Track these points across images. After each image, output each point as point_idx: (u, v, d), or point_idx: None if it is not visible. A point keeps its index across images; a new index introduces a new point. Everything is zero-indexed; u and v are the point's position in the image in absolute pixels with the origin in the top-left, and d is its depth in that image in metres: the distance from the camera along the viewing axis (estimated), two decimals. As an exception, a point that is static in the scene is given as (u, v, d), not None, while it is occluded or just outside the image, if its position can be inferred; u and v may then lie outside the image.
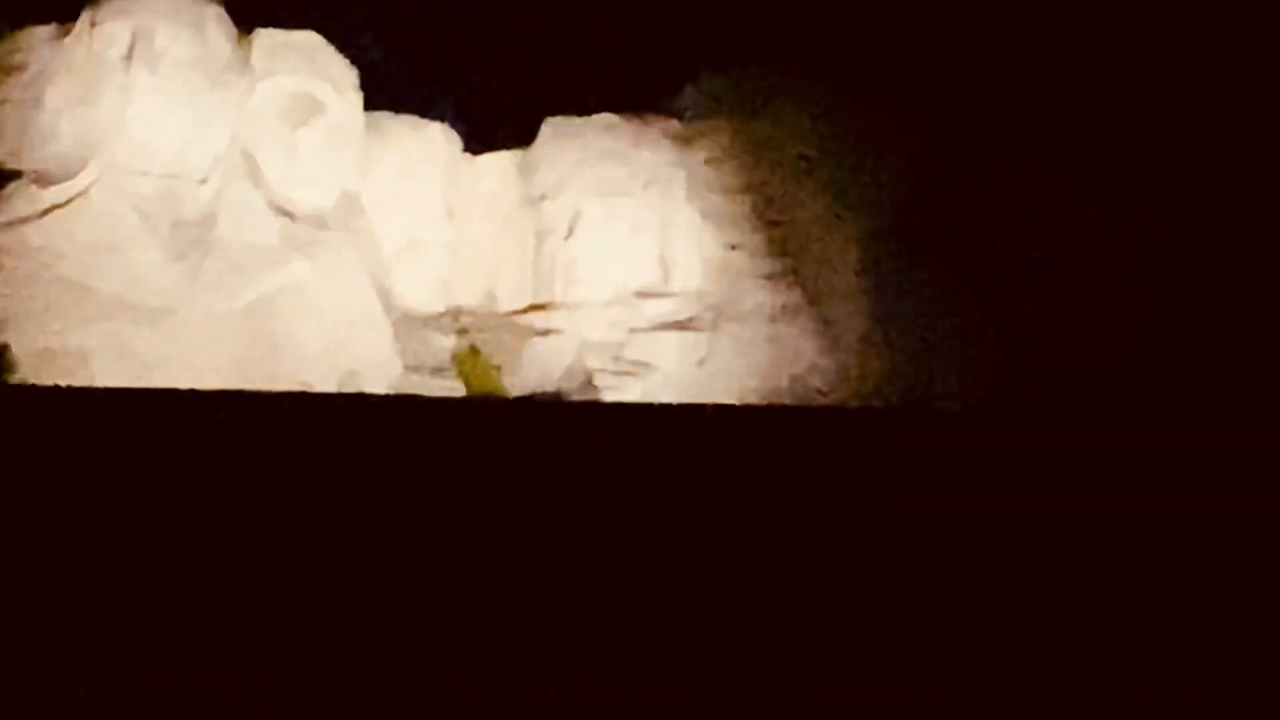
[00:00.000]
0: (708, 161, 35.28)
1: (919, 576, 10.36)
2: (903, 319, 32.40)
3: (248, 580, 9.87)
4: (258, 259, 30.38)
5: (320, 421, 16.51)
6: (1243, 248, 29.61)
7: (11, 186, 29.48)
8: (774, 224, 34.65)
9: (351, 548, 10.53)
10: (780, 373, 32.86)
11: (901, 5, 33.14)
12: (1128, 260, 30.60)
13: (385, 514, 11.35)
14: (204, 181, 30.72)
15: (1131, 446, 13.74)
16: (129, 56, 30.62)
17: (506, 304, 34.28)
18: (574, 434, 16.21)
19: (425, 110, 35.45)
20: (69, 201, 29.44)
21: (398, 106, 35.01)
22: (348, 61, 33.31)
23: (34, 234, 29.02)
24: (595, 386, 32.27)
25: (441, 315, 33.57)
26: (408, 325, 32.45)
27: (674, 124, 35.96)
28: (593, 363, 32.74)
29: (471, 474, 12.44)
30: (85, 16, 31.06)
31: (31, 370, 27.70)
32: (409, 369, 31.56)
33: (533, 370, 32.75)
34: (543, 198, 34.53)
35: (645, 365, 32.79)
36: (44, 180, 29.56)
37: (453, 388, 31.76)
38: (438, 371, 32.07)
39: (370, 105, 33.87)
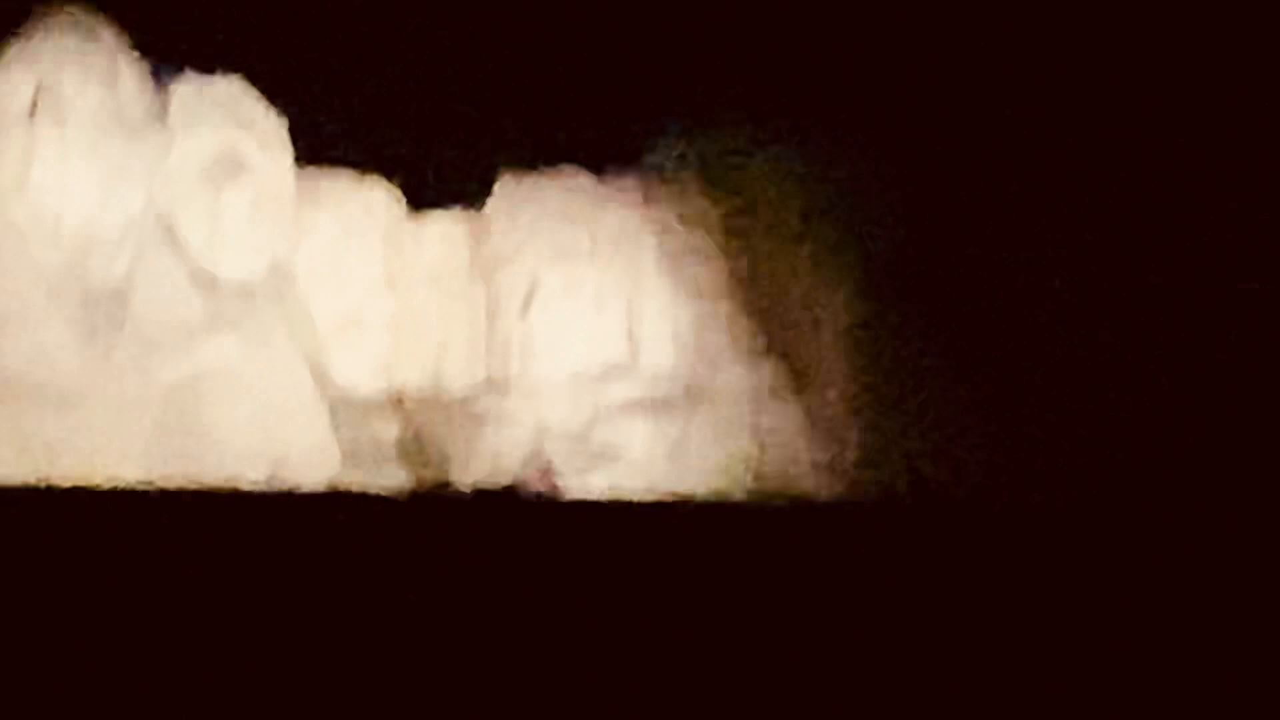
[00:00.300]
0: (680, 222, 35.31)
1: (914, 675, 10.52)
2: (893, 400, 32.60)
3: (161, 702, 9.89)
4: (177, 336, 30.42)
5: (248, 519, 16.54)
6: (1249, 325, 30.06)
7: (-100, 255, 29.52)
8: (754, 293, 34.77)
9: (281, 662, 10.55)
10: (760, 460, 32.99)
11: (885, 56, 33.54)
12: (1127, 343, 30.97)
13: (319, 623, 11.34)
14: (116, 250, 30.68)
15: (1131, 541, 14.00)
16: (33, 110, 30.60)
17: (455, 385, 34.34)
18: (531, 531, 16.31)
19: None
20: (-36, 272, 29.46)
21: (333, 162, 34.93)
22: (276, 111, 33.33)
23: (-75, 308, 29.08)
24: (555, 477, 32.33)
25: (383, 398, 33.57)
26: (345, 409, 32.44)
27: (642, 180, 36.02)
28: (552, 450, 32.81)
29: (416, 576, 12.50)
30: (-16, 65, 31.13)
31: (-81, 460, 27.68)
32: (347, 458, 31.52)
33: (485, 459, 32.78)
34: (496, 266, 34.61)
35: (611, 452, 32.88)
36: (-63, 248, 29.59)
37: (396, 479, 31.73)
38: (379, 461, 32.04)
39: (302, 161, 33.86)
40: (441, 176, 36.71)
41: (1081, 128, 31.73)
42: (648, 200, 35.53)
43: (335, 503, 21.99)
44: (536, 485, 31.99)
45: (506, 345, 34.00)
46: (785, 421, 33.44)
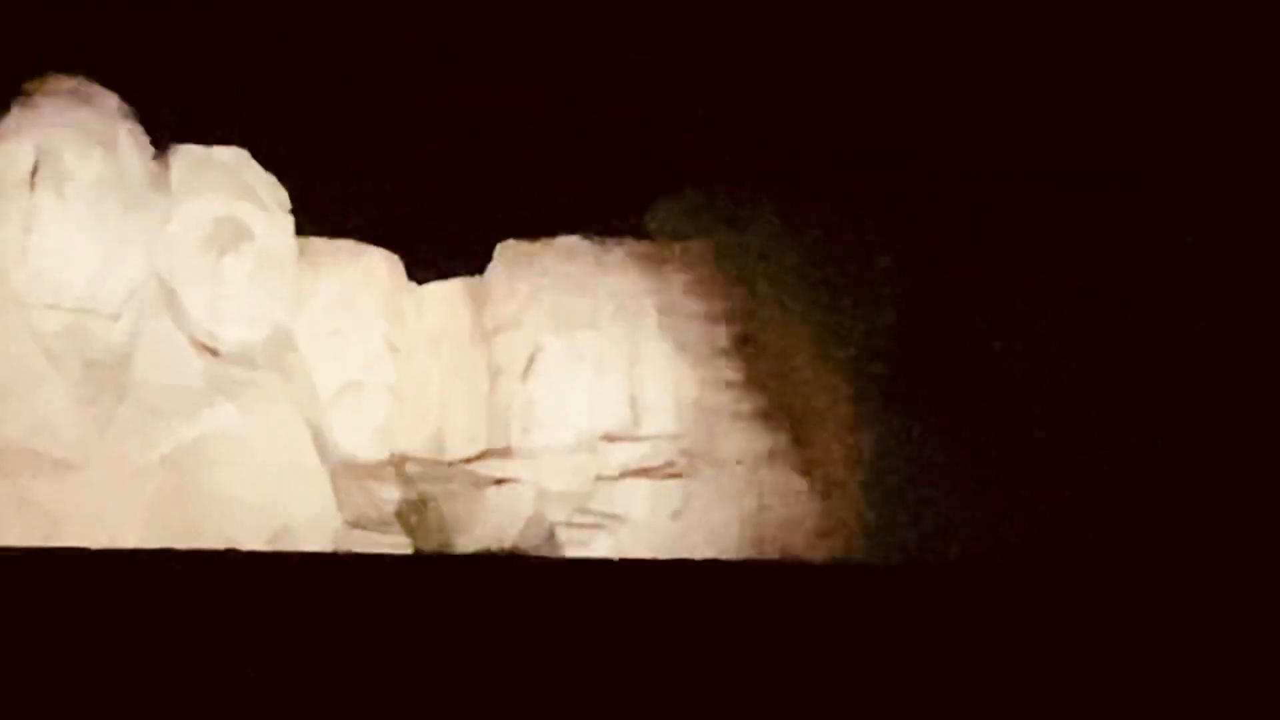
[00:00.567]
0: (681, 288, 35.42)
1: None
2: (895, 465, 32.65)
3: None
4: (178, 403, 30.39)
5: (250, 583, 16.58)
6: (1252, 395, 30.24)
7: (-99, 323, 29.51)
8: (756, 357, 34.84)
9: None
10: (764, 525, 33.00)
11: (889, 124, 33.78)
12: (1131, 406, 31.11)
13: (324, 686, 11.37)
14: (117, 317, 30.70)
15: (1130, 604, 14.09)
16: (32, 177, 30.59)
17: (457, 451, 34.36)
18: (533, 595, 16.37)
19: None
20: (-35, 340, 29.43)
21: (334, 231, 35.00)
22: (277, 180, 33.42)
23: (-75, 375, 29.05)
24: (557, 542, 32.33)
25: (384, 464, 33.52)
26: (347, 475, 32.39)
27: (642, 245, 36.14)
28: (554, 515, 32.81)
29: (419, 641, 12.55)
30: (-17, 132, 31.18)
31: (-79, 529, 27.63)
32: (348, 524, 31.45)
33: (487, 525, 32.77)
34: (496, 331, 34.67)
35: (613, 518, 32.88)
36: (-64, 316, 29.56)
37: (398, 545, 31.69)
38: (381, 527, 31.98)
39: (303, 229, 33.93)
40: (442, 244, 36.78)
41: (1086, 202, 31.99)
42: (648, 266, 35.53)
43: (337, 566, 22.01)
44: (538, 550, 32.00)
45: (508, 410, 33.97)
46: (787, 486, 33.46)
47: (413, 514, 32.67)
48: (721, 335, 35.05)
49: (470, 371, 34.83)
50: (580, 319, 34.27)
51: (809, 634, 13.47)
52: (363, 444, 33.33)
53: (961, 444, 31.85)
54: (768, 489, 33.41)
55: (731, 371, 34.76)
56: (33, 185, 30.50)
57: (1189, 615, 14.30)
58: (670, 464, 33.71)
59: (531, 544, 32.27)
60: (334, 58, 39.91)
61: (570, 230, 35.77)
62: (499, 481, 33.18)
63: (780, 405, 34.44)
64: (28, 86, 31.43)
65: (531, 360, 34.05)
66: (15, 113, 31.04)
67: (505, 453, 33.71)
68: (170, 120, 32.68)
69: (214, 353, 31.29)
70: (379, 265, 34.88)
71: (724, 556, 31.89)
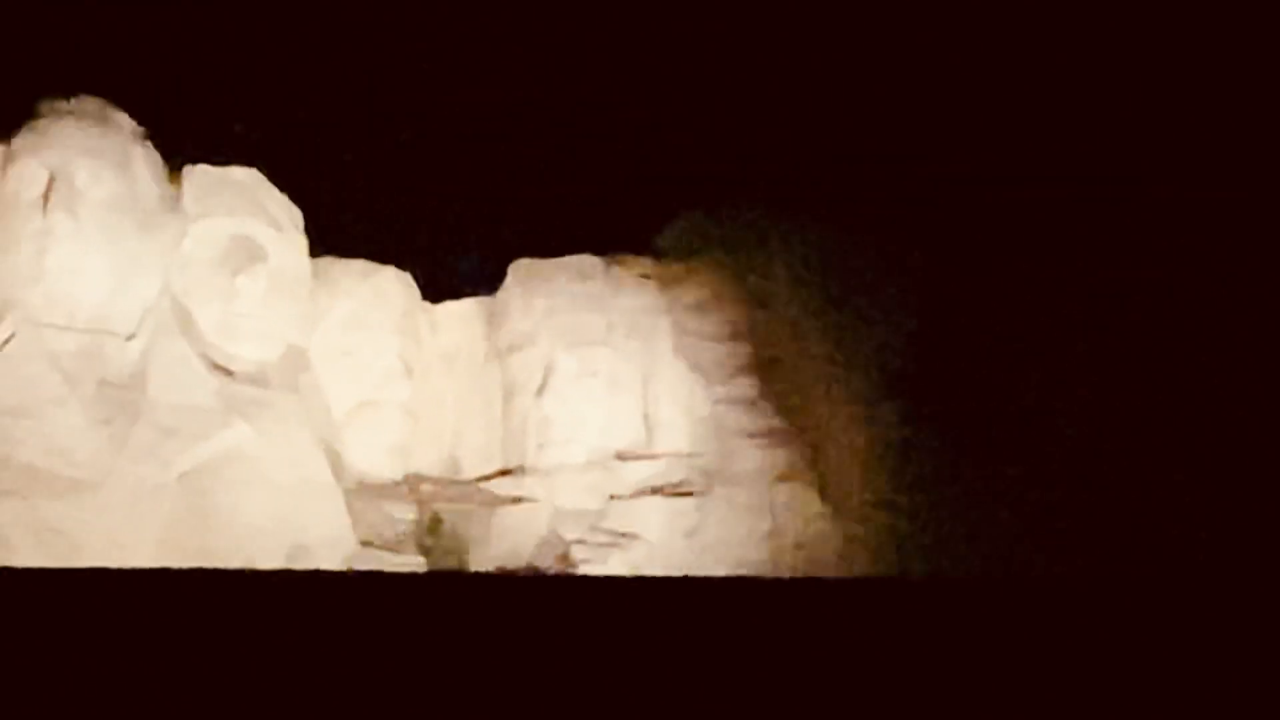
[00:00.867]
0: (694, 306, 35.49)
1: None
2: (910, 481, 32.66)
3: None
4: (193, 423, 30.40)
5: (266, 602, 16.59)
6: (1264, 412, 30.26)
7: (-85, 345, 29.54)
8: (770, 376, 34.85)
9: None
10: (779, 542, 32.99)
11: (901, 141, 33.83)
12: (1144, 423, 31.11)
13: (340, 705, 11.39)
14: (132, 337, 30.74)
15: (1142, 619, 14.10)
16: (46, 198, 30.58)
17: (471, 470, 34.42)
18: (548, 613, 16.37)
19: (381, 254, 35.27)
20: (-20, 360, 29.48)
21: (348, 250, 35.10)
22: (290, 200, 33.47)
23: (-60, 397, 29.07)
24: (572, 560, 32.32)
25: (399, 483, 33.53)
26: (362, 494, 32.38)
27: (656, 265, 36.22)
28: (569, 533, 32.81)
29: (435, 659, 12.57)
30: (-3, 154, 31.26)
31: (-62, 550, 27.62)
32: (364, 543, 31.45)
33: (502, 543, 32.79)
34: (511, 350, 34.72)
35: (628, 536, 32.86)
36: (-50, 338, 29.59)
37: (412, 564, 31.69)
38: (396, 546, 31.96)
39: (317, 249, 34.02)
40: (456, 263, 36.84)
41: (1100, 217, 32.01)
42: (662, 284, 35.57)
43: (353, 584, 22.02)
44: (553, 568, 31.99)
45: (522, 430, 33.99)
46: (802, 503, 33.46)
47: (427, 533, 32.68)
48: (734, 353, 35.05)
49: (484, 390, 34.89)
50: (594, 337, 34.28)
51: (825, 651, 13.48)
52: (377, 463, 33.32)
53: (977, 460, 31.83)
54: (782, 506, 33.39)
55: (745, 389, 34.75)
56: (46, 206, 30.44)
57: (1211, 630, 14.30)
58: (684, 482, 33.69)
59: (546, 562, 32.25)
60: (348, 80, 40.06)
61: (583, 249, 35.82)
62: (513, 500, 33.18)
63: (795, 422, 34.44)
64: (41, 107, 31.49)
65: (545, 378, 34.04)
66: (29, 133, 31.09)
67: (519, 471, 33.71)
68: (184, 140, 32.74)
69: (228, 373, 31.28)
70: (393, 285, 34.89)
71: (739, 574, 31.84)
